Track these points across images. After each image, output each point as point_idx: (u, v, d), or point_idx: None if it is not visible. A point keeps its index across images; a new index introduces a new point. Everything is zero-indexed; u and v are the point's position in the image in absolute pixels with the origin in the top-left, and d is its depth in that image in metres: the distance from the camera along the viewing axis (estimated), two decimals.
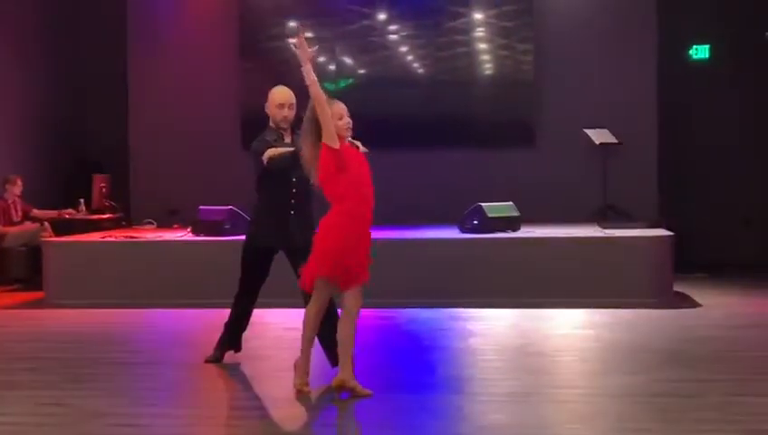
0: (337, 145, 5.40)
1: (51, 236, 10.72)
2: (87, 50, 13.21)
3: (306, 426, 5.17)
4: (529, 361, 6.69)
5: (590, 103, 11.85)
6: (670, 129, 12.10)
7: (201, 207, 10.08)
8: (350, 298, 5.51)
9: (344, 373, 5.47)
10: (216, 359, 6.49)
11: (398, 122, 11.81)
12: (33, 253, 10.65)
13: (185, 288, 9.29)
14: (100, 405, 5.41)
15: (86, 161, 12.92)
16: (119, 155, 12.69)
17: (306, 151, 5.48)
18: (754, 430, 4.79)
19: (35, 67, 12.59)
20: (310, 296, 5.59)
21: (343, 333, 5.49)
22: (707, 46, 12.62)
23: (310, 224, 6.08)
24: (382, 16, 12.39)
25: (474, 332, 7.77)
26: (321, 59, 12.50)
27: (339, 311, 5.65)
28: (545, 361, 6.67)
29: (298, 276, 5.73)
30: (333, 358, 5.83)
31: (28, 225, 11.27)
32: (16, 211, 11.26)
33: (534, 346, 7.23)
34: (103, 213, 11.86)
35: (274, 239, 6.12)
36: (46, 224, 11.22)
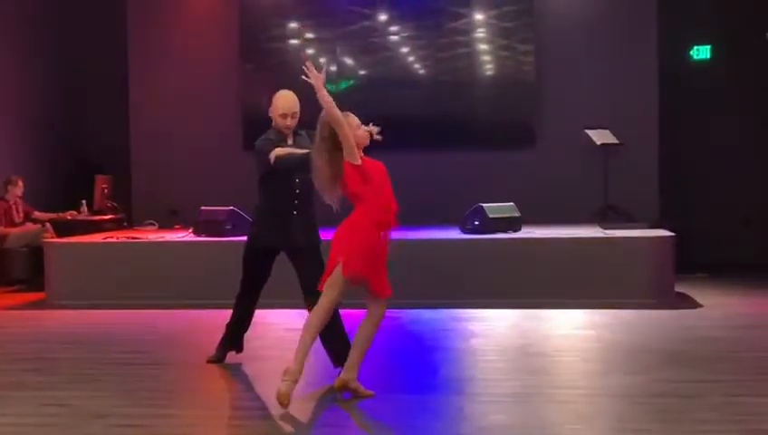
0: (359, 160, 5.42)
1: (52, 237, 10.73)
2: (88, 51, 13.23)
3: (308, 426, 5.19)
4: (530, 361, 6.71)
5: (591, 104, 11.87)
6: (671, 129, 12.11)
7: (202, 207, 10.10)
8: (377, 306, 5.53)
9: (348, 374, 5.49)
10: (218, 359, 6.51)
11: (399, 123, 11.78)
12: (35, 254, 10.67)
13: (186, 289, 9.31)
14: (103, 405, 5.43)
15: (87, 162, 12.94)
16: (120, 156, 12.71)
17: (324, 168, 5.44)
18: (755, 430, 4.81)
19: (36, 68, 12.62)
20: (315, 301, 5.57)
21: (363, 335, 5.52)
22: (708, 47, 12.63)
23: (313, 224, 6.10)
24: (383, 17, 12.41)
25: (475, 332, 7.78)
26: (322, 60, 12.53)
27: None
28: (546, 361, 6.69)
29: (302, 275, 5.73)
30: (336, 358, 5.84)
31: (30, 226, 11.29)
32: (18, 212, 11.28)
33: (535, 347, 7.24)
34: (105, 214, 11.88)
35: (276, 240, 6.13)
36: (48, 225, 11.24)
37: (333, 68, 12.38)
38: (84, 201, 11.73)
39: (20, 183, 11.25)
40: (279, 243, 6.14)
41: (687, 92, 12.35)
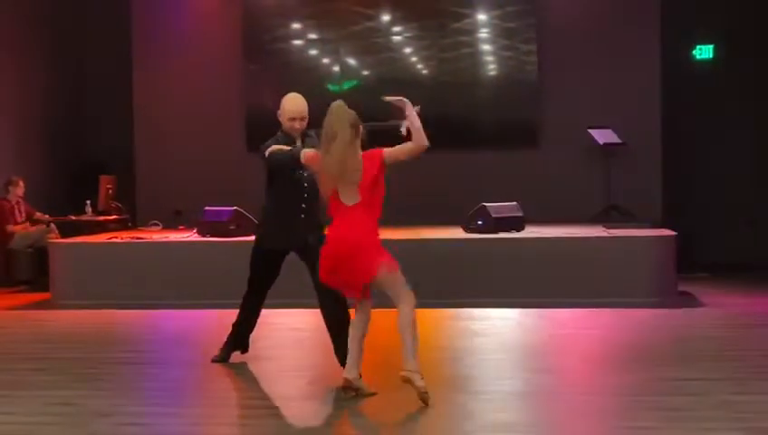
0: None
1: (57, 238, 10.76)
2: (92, 51, 13.27)
3: (311, 425, 5.21)
4: (533, 360, 6.73)
5: (594, 103, 11.88)
6: (674, 129, 12.12)
7: (206, 207, 10.12)
8: (369, 303, 5.63)
9: (351, 373, 5.51)
10: (223, 359, 6.54)
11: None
12: (40, 254, 10.70)
13: (190, 289, 9.33)
14: (108, 404, 5.46)
15: (92, 163, 12.96)
16: (124, 156, 12.74)
17: (349, 160, 5.47)
18: (758, 428, 4.82)
19: (40, 68, 12.64)
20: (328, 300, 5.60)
21: (360, 333, 5.58)
22: (711, 46, 12.63)
23: (319, 224, 6.11)
24: (386, 18, 12.43)
25: (478, 331, 7.80)
26: (326, 60, 12.56)
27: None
28: (549, 360, 6.71)
29: (314, 273, 5.74)
30: (344, 358, 5.87)
31: (34, 226, 11.32)
32: (20, 212, 11.31)
33: (538, 345, 7.27)
34: (109, 214, 11.90)
35: (285, 241, 6.13)
36: (52, 225, 11.27)
37: (336, 68, 12.41)
38: (89, 202, 11.75)
39: (21, 183, 11.27)
40: (288, 244, 6.16)
41: (690, 92, 12.35)
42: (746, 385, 5.74)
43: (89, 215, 11.69)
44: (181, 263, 9.54)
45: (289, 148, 5.92)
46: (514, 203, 10.13)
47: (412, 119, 5.64)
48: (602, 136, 11.49)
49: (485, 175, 11.74)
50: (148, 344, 7.59)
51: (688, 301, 9.20)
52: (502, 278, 9.16)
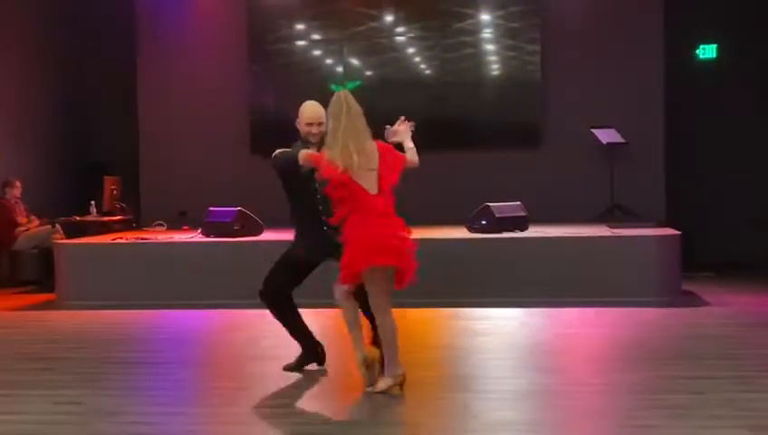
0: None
1: (62, 239, 10.79)
2: (97, 52, 13.31)
3: (315, 424, 5.23)
4: (537, 359, 6.75)
5: (598, 103, 11.90)
6: (677, 128, 12.13)
7: (211, 208, 10.15)
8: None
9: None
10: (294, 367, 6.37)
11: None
12: (45, 255, 10.73)
13: (195, 289, 9.35)
14: (115, 404, 5.48)
15: (96, 164, 13.00)
16: (129, 157, 12.78)
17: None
18: (761, 426, 4.84)
19: (44, 69, 12.68)
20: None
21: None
22: (714, 46, 12.64)
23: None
24: (389, 18, 12.46)
25: (481, 330, 7.81)
26: (329, 61, 12.58)
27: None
28: (553, 359, 6.72)
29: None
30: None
31: (40, 227, 11.35)
32: (21, 213, 11.33)
33: (542, 344, 7.28)
34: (114, 215, 11.93)
35: (326, 253, 6.05)
36: (58, 226, 11.30)
37: (340, 69, 12.44)
38: (93, 202, 11.79)
39: (18, 184, 11.29)
40: (329, 254, 6.10)
41: (693, 91, 12.36)
42: (751, 383, 5.75)
43: (93, 216, 11.72)
44: (185, 263, 9.56)
45: (289, 149, 5.92)
46: (518, 203, 10.14)
47: (406, 141, 5.85)
48: (606, 136, 11.50)
49: (489, 175, 11.77)
50: (154, 344, 7.62)
51: (692, 300, 9.21)
52: (505, 278, 9.18)
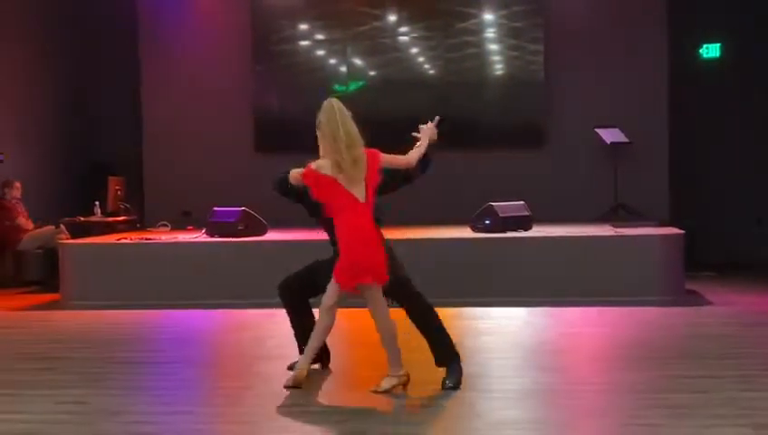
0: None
1: (67, 239, 10.81)
2: (100, 52, 13.34)
3: (321, 423, 5.25)
4: (540, 358, 6.75)
5: (601, 103, 11.91)
6: (681, 127, 12.13)
7: (215, 208, 10.17)
8: None
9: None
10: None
11: (408, 124, 11.85)
12: (50, 255, 10.75)
13: (199, 289, 9.37)
14: (119, 403, 5.49)
15: (101, 164, 13.03)
16: (133, 158, 12.80)
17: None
18: (764, 425, 4.84)
19: (48, 69, 12.71)
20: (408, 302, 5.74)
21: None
22: (718, 45, 12.64)
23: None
24: (393, 18, 12.47)
25: (485, 330, 7.82)
26: (333, 61, 12.60)
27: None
28: (557, 358, 6.73)
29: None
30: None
31: (44, 227, 11.37)
32: (22, 214, 11.34)
33: (546, 344, 7.29)
34: (118, 215, 11.95)
35: None
36: (62, 226, 11.32)
37: (343, 69, 12.45)
38: (97, 203, 11.81)
39: (17, 185, 11.30)
40: None
41: (697, 91, 12.36)
42: (753, 382, 5.76)
43: (98, 216, 11.74)
44: (190, 263, 9.58)
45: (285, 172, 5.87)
46: (522, 202, 10.15)
47: (423, 139, 5.86)
48: (609, 135, 11.51)
49: (493, 174, 11.78)
50: (158, 344, 7.63)
51: (695, 299, 9.22)
52: (509, 277, 9.18)
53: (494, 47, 12.44)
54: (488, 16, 12.34)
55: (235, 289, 9.26)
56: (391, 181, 5.81)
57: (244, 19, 12.62)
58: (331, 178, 5.49)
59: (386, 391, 5.57)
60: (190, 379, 6.27)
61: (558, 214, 10.93)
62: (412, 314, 5.82)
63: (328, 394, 5.81)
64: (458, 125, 11.95)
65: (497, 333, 7.74)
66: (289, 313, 6.25)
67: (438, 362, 5.75)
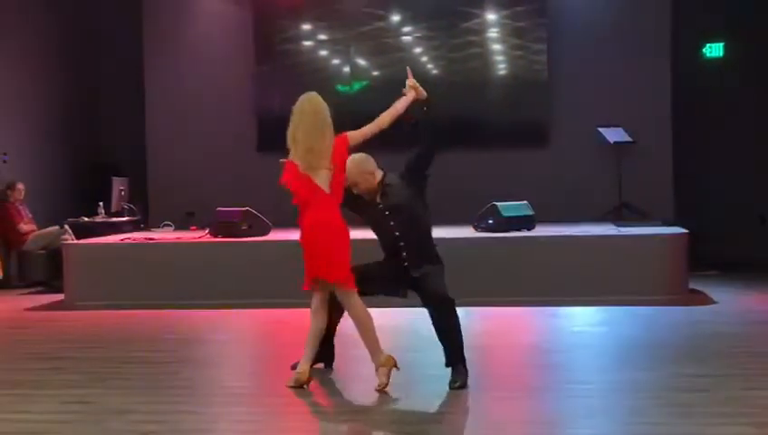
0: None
1: (71, 239, 10.82)
2: (104, 53, 13.36)
3: (328, 421, 5.26)
4: (543, 357, 6.76)
5: (604, 102, 11.90)
6: (684, 127, 12.13)
7: (218, 208, 10.18)
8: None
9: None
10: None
11: (411, 123, 11.87)
12: (54, 256, 10.76)
13: (203, 289, 9.38)
14: (124, 403, 5.51)
15: (104, 164, 13.04)
16: (136, 158, 12.82)
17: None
18: (766, 423, 4.85)
19: (52, 70, 12.72)
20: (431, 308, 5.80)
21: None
22: (721, 44, 12.64)
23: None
24: (396, 18, 12.48)
25: (488, 329, 7.83)
26: (336, 61, 12.60)
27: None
28: (560, 357, 6.74)
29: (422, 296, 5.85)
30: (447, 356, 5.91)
31: (48, 228, 11.40)
32: (24, 216, 11.35)
33: (549, 343, 7.30)
34: (122, 216, 11.97)
35: (389, 290, 6.07)
36: (66, 227, 11.33)
37: (347, 69, 12.46)
38: (101, 203, 11.82)
39: (20, 187, 11.30)
40: (391, 291, 6.08)
41: (700, 90, 12.35)
42: (756, 381, 5.77)
43: (101, 217, 11.75)
44: (193, 263, 9.59)
45: None
46: (525, 202, 10.15)
47: (403, 100, 5.99)
48: (613, 135, 11.51)
49: (496, 174, 11.77)
50: (163, 344, 7.65)
51: (699, 298, 9.22)
52: (512, 277, 9.18)
53: (497, 47, 12.44)
54: (491, 16, 12.34)
55: (239, 289, 9.27)
56: (416, 170, 5.87)
57: (247, 19, 12.63)
58: (306, 175, 5.64)
59: (388, 382, 5.56)
60: (194, 378, 6.28)
61: (561, 213, 10.93)
62: (439, 318, 5.81)
63: (333, 393, 5.82)
64: (462, 125, 11.97)
65: (500, 332, 7.75)
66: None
67: (449, 363, 5.75)
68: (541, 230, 9.83)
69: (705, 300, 9.13)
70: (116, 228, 11.54)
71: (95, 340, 7.74)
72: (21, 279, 11.18)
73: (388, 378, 5.61)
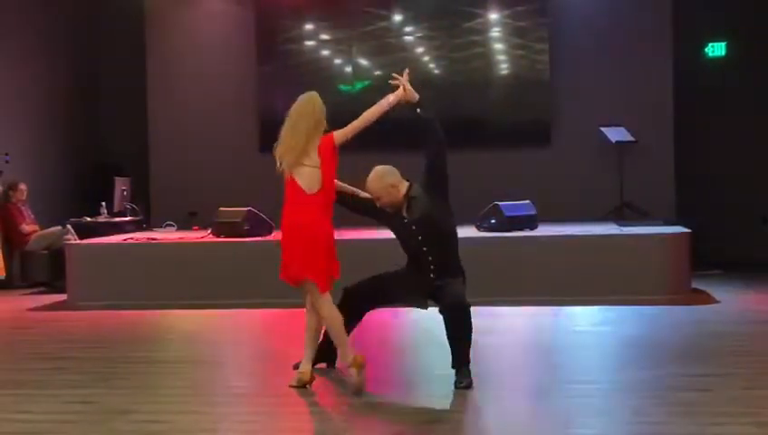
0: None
1: (74, 240, 10.83)
2: (106, 53, 13.38)
3: (329, 421, 5.27)
4: (546, 357, 6.77)
5: (606, 102, 11.90)
6: (686, 126, 12.12)
7: (220, 208, 10.19)
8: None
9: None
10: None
11: (412, 123, 11.87)
12: (56, 256, 10.77)
13: (205, 289, 9.40)
14: (126, 402, 5.52)
15: (107, 164, 13.06)
16: (139, 158, 12.83)
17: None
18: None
19: (54, 70, 12.74)
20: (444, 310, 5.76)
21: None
22: (723, 44, 12.63)
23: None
24: (398, 18, 12.48)
25: (492, 329, 7.83)
26: (338, 61, 12.61)
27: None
28: (563, 356, 6.74)
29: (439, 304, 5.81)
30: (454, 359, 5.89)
31: (51, 228, 11.41)
32: (27, 217, 11.36)
33: (552, 342, 7.31)
34: (124, 216, 11.98)
35: (414, 301, 6.07)
36: (69, 227, 11.35)
37: (349, 69, 12.46)
38: (104, 203, 11.84)
39: (22, 188, 11.30)
40: (415, 302, 6.09)
41: (702, 90, 12.35)
42: (758, 380, 5.76)
43: (104, 217, 11.76)
44: (196, 263, 9.60)
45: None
46: (527, 202, 10.16)
47: (390, 98, 6.10)
48: (615, 134, 11.51)
49: (498, 174, 11.77)
50: (165, 344, 7.66)
51: (702, 298, 9.21)
52: (515, 277, 9.19)
53: (499, 47, 12.44)
54: (494, 16, 12.34)
55: (242, 289, 9.28)
56: (434, 174, 6.05)
57: (249, 19, 12.64)
58: (285, 168, 5.72)
59: (362, 380, 5.55)
60: (197, 378, 6.29)
61: (564, 213, 10.93)
62: (454, 326, 5.76)
63: (336, 393, 5.82)
64: (464, 124, 11.98)
65: (503, 331, 7.75)
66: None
67: (455, 364, 5.74)
68: (543, 230, 9.83)
69: (708, 299, 9.13)
70: (118, 228, 11.55)
71: (97, 340, 7.75)
72: (23, 279, 11.20)
73: (362, 377, 5.58)
